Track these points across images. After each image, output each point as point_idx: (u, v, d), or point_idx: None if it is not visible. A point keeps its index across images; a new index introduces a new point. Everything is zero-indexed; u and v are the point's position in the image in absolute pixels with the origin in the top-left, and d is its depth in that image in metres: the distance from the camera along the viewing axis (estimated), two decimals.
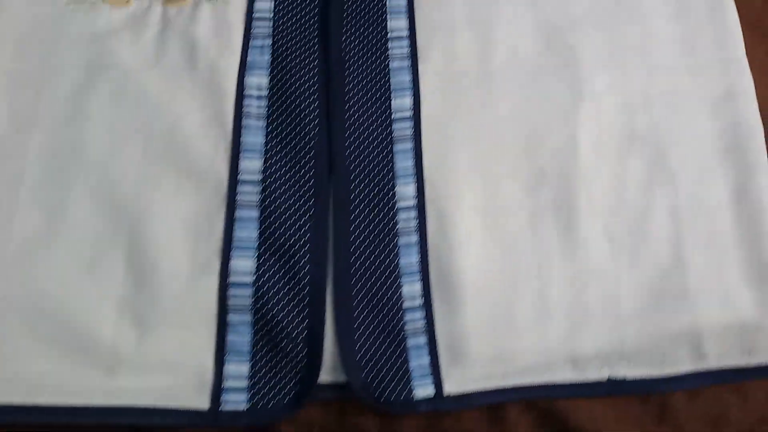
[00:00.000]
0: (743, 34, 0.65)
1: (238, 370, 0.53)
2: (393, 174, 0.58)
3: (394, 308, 0.54)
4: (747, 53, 0.64)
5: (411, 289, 0.55)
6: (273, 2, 0.64)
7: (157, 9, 0.64)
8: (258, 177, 0.57)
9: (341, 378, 0.53)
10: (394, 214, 0.57)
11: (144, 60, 0.61)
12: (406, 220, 0.57)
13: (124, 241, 0.55)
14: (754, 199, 0.58)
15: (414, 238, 0.56)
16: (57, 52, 0.61)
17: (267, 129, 0.59)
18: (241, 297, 0.54)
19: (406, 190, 0.58)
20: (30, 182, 0.56)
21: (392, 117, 0.60)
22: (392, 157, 0.59)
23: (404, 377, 0.53)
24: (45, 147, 0.58)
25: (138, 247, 0.55)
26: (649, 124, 0.61)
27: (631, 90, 0.62)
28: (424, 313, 0.55)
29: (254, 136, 0.59)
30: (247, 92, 0.60)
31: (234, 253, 0.55)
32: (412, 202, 0.57)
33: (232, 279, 0.54)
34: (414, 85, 0.61)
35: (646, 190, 0.59)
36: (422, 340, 0.54)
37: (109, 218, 0.56)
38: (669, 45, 0.64)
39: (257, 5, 0.64)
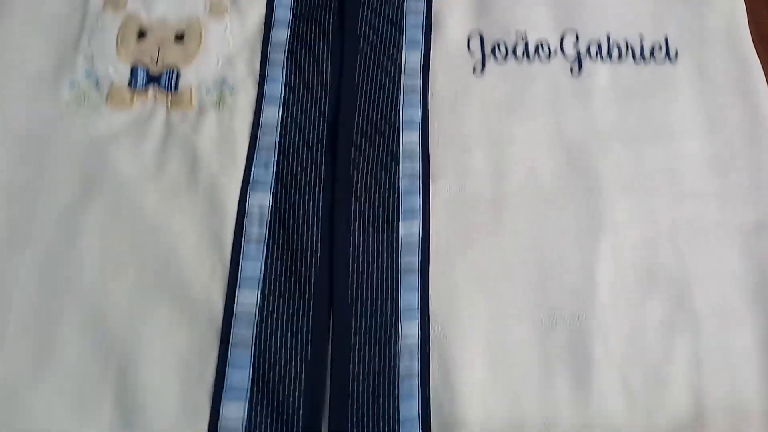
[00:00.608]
0: None
1: None
2: (398, 310, 0.55)
3: None
4: None
5: None
6: (281, 110, 0.61)
7: (161, 114, 0.61)
8: (254, 311, 0.54)
9: None
10: (396, 356, 0.54)
11: (143, 172, 0.58)
12: (409, 363, 0.53)
13: (113, 379, 0.52)
14: None
15: (415, 383, 0.53)
16: (54, 161, 0.59)
17: (266, 256, 0.56)
18: None
19: (409, 330, 0.54)
20: (19, 310, 0.54)
21: (400, 246, 0.57)
22: (398, 293, 0.55)
23: None
24: (37, 270, 0.55)
25: (127, 386, 0.52)
26: (672, 259, 0.57)
27: (656, 219, 0.58)
28: None
29: (253, 264, 0.56)
30: (248, 212, 0.57)
31: (225, 396, 0.52)
32: (415, 342, 0.54)
33: (222, 425, 0.51)
34: (424, 209, 0.58)
35: (667, 336, 0.55)
36: None
37: (98, 353, 0.53)
38: (698, 167, 0.60)
39: (265, 113, 0.61)
